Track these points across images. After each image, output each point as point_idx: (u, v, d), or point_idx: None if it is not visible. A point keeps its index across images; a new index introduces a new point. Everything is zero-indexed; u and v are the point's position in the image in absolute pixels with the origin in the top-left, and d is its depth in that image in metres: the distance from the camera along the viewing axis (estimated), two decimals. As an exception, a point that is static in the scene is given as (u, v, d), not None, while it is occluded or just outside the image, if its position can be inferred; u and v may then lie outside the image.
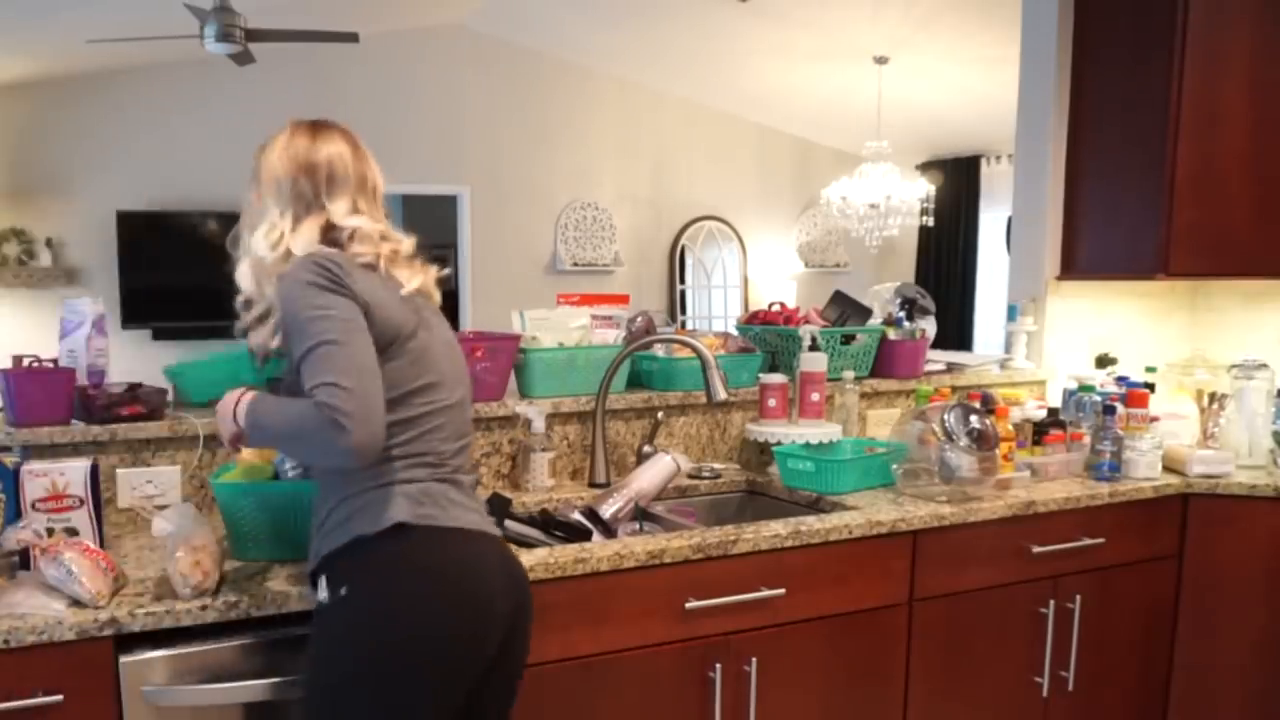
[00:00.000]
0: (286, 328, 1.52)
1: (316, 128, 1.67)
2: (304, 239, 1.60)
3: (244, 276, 1.64)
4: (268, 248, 1.60)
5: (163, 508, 1.97)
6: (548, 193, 7.44)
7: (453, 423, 1.64)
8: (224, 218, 6.40)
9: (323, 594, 1.53)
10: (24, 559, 1.70)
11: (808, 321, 2.88)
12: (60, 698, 1.55)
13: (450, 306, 7.60)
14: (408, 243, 1.68)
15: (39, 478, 1.79)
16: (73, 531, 1.80)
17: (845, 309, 2.99)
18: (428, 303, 1.70)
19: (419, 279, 1.66)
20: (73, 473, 1.82)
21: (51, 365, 2.13)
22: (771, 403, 2.60)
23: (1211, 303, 3.31)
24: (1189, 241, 2.89)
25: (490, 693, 1.65)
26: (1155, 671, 2.67)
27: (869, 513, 2.23)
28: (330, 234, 1.62)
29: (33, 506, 1.78)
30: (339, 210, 1.62)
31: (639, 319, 2.83)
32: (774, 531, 2.07)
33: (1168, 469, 2.68)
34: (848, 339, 2.90)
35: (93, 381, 2.13)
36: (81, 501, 1.83)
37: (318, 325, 1.46)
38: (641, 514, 2.34)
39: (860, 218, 6.94)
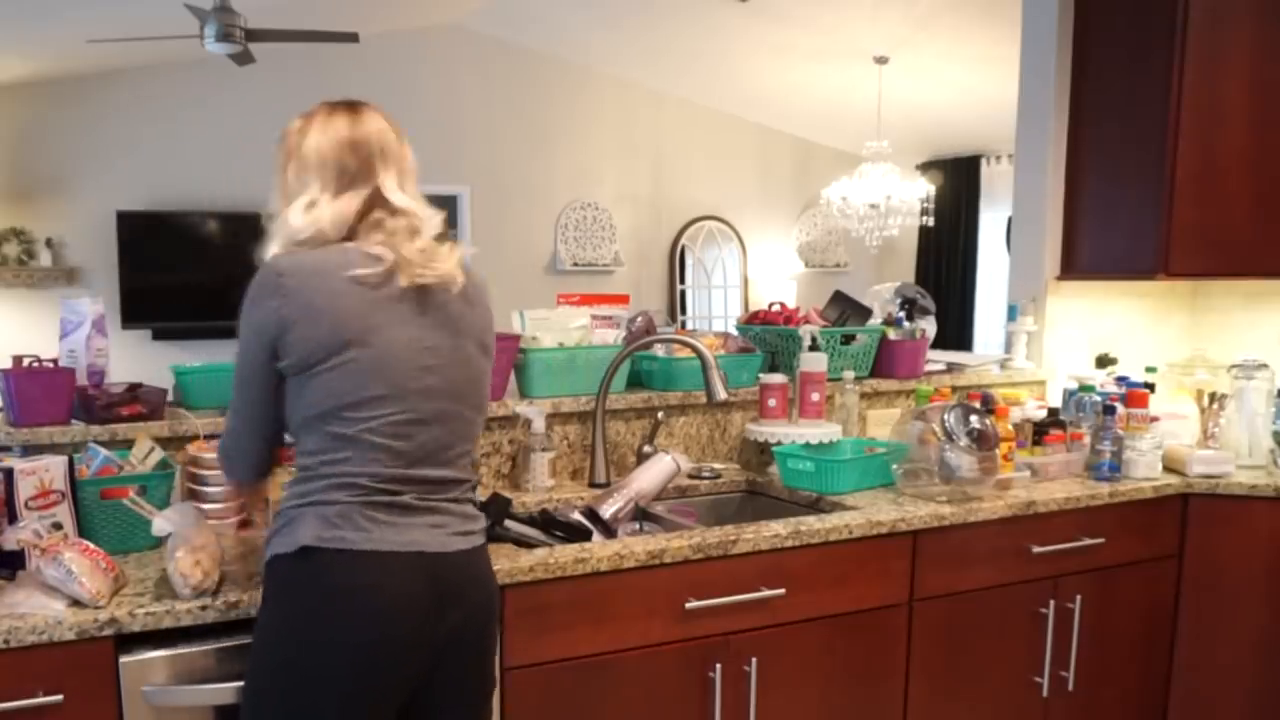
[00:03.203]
0: None
1: (355, 107, 1.66)
2: (336, 212, 1.57)
3: (269, 252, 1.61)
4: (303, 218, 1.57)
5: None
6: (548, 193, 7.44)
7: (412, 439, 1.55)
8: (224, 218, 6.41)
9: (259, 599, 1.57)
10: (12, 559, 1.70)
11: (808, 321, 2.88)
12: (60, 698, 1.55)
13: (450, 306, 7.58)
14: (431, 224, 1.62)
15: (29, 475, 1.79)
16: (58, 526, 1.80)
17: (845, 309, 2.99)
18: (421, 301, 1.58)
19: (426, 271, 1.57)
20: (55, 467, 1.83)
21: (51, 365, 2.13)
22: (771, 403, 2.60)
23: (1211, 303, 3.30)
24: (1189, 241, 2.88)
25: (439, 707, 1.61)
26: (1155, 671, 2.67)
27: (869, 513, 2.23)
28: (371, 213, 1.59)
29: (26, 505, 1.79)
30: (390, 183, 1.60)
31: (639, 319, 2.83)
32: (774, 531, 2.07)
33: (1168, 469, 2.68)
34: (848, 339, 2.90)
35: (93, 381, 2.13)
36: (63, 495, 1.84)
37: (239, 353, 1.59)
38: (641, 514, 2.34)
39: (860, 218, 6.94)
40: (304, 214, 1.57)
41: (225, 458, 1.70)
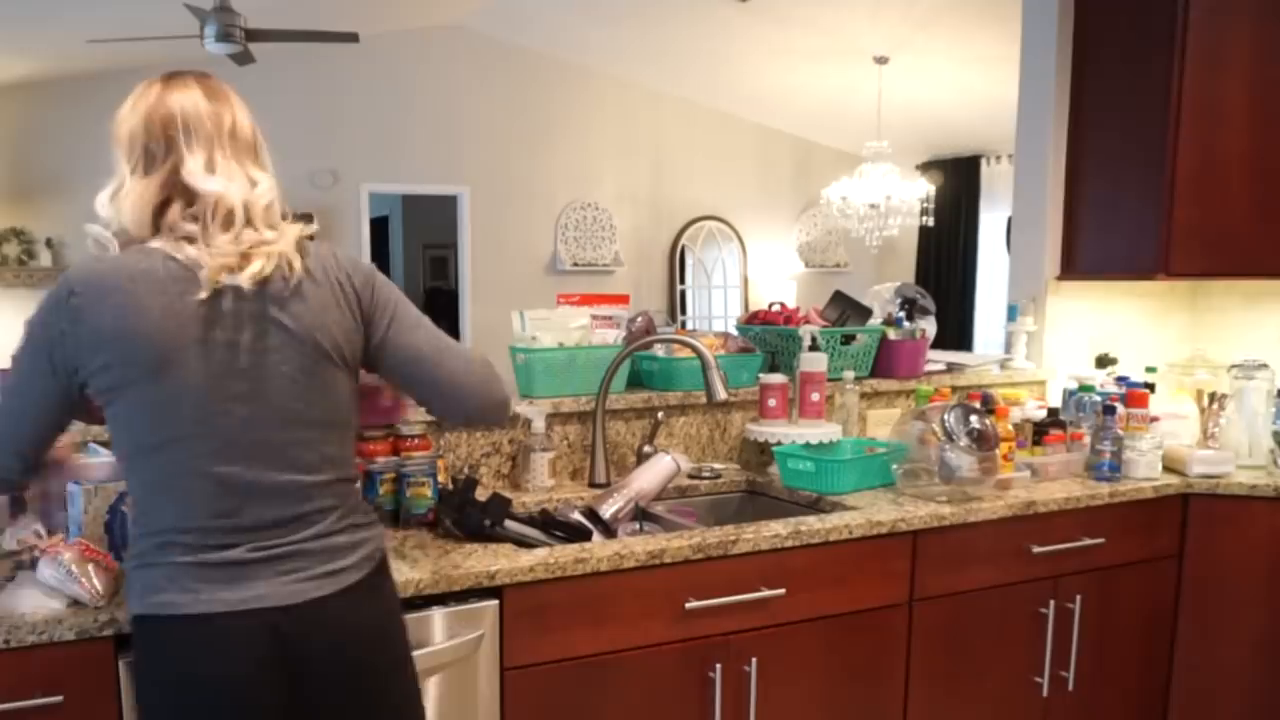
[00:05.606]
0: None
1: (169, 79, 1.47)
2: (133, 203, 1.42)
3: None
4: (106, 209, 1.45)
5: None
6: (548, 193, 7.44)
7: (232, 481, 1.39)
8: (224, 218, 6.41)
9: None
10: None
11: (808, 321, 2.88)
12: (60, 698, 1.54)
13: (450, 306, 7.60)
14: (261, 198, 1.43)
15: None
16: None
17: (845, 309, 2.99)
18: (234, 309, 1.39)
19: (239, 271, 1.37)
20: None
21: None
22: (771, 403, 2.60)
23: (1211, 303, 3.30)
24: (1189, 241, 2.88)
25: None
26: (1155, 671, 2.67)
27: (869, 513, 2.23)
28: (174, 201, 1.41)
29: (27, 505, 1.78)
30: (195, 166, 1.41)
31: (639, 319, 2.83)
32: (774, 531, 2.07)
33: (1168, 469, 2.68)
34: (848, 339, 2.90)
35: (93, 381, 2.13)
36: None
37: (15, 358, 1.44)
38: (641, 514, 2.34)
39: (860, 218, 6.94)
40: (108, 203, 1.45)
41: None
